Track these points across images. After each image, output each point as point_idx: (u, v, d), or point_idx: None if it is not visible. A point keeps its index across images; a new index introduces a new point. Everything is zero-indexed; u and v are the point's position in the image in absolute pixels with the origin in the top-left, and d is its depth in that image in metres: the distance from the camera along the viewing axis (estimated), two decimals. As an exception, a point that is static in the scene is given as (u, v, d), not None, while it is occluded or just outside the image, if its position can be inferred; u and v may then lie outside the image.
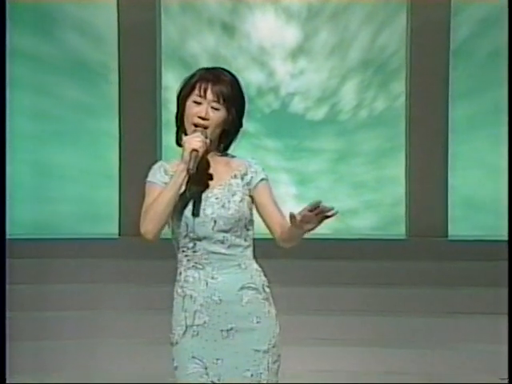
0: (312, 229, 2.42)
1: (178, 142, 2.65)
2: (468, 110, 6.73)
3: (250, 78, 6.89)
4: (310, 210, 2.40)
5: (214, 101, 2.56)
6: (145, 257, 5.67)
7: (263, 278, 2.65)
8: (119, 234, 6.33)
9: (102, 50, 6.88)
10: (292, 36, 6.90)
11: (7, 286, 4.06)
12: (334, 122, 6.71)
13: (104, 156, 6.88)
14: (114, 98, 6.74)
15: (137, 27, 6.50)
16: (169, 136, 6.73)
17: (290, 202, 6.86)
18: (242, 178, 2.62)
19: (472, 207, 6.75)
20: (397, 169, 6.74)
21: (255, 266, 2.64)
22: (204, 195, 2.58)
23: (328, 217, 2.40)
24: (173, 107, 7.29)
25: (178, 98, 2.62)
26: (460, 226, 6.62)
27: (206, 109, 2.55)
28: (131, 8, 6.48)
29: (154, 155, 6.37)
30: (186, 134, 2.61)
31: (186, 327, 2.59)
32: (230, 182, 2.60)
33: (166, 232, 2.70)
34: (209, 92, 2.55)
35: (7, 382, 3.79)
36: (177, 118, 2.64)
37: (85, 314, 5.48)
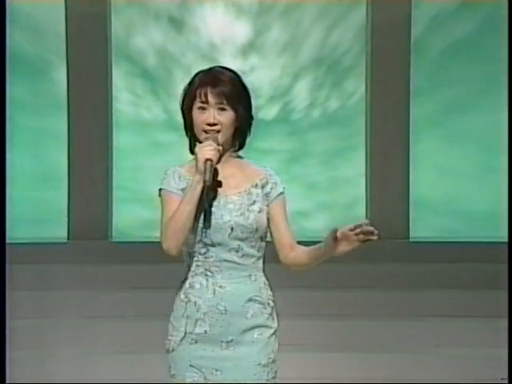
0: (347, 250, 2.42)
1: (192, 151, 2.62)
2: (420, 109, 6.66)
3: (200, 76, 6.82)
4: (352, 230, 2.41)
5: (218, 103, 2.55)
6: (96, 261, 5.49)
7: (269, 291, 2.63)
8: (68, 238, 6.12)
9: (45, 45, 6.62)
10: (243, 32, 6.77)
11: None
12: (286, 122, 6.61)
13: (47, 156, 6.63)
14: (58, 95, 6.49)
15: (86, 21, 6.29)
16: (119, 136, 6.72)
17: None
18: (263, 188, 2.61)
19: (425, 208, 6.69)
20: (351, 169, 6.66)
21: (264, 278, 2.62)
22: (222, 201, 2.56)
23: (369, 240, 2.39)
24: (120, 106, 7.14)
25: (182, 108, 2.61)
26: (414, 228, 6.55)
27: (212, 114, 2.55)
28: (80, 1, 6.22)
29: (104, 156, 6.23)
30: (199, 141, 2.59)
31: (185, 334, 2.57)
32: (250, 191, 2.59)
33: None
34: (210, 95, 2.55)
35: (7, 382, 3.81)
36: (185, 128, 2.63)
37: (44, 322, 5.26)
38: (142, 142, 6.84)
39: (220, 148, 2.53)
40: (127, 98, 6.78)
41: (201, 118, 2.55)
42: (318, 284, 5.64)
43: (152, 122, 6.85)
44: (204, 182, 2.46)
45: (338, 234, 2.40)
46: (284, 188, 2.64)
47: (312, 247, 2.53)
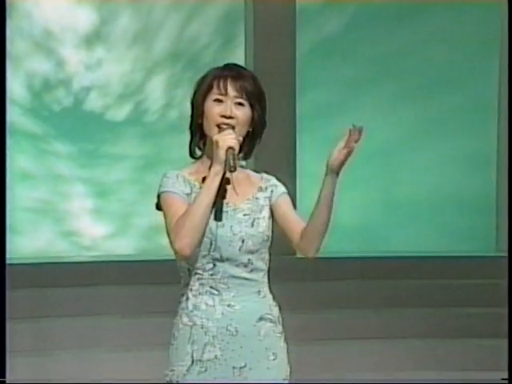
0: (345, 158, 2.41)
1: (192, 154, 2.53)
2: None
3: (34, 68, 6.11)
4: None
5: (237, 96, 2.46)
6: None
7: (278, 308, 2.56)
8: None
9: None
10: (86, 19, 6.13)
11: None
12: (138, 124, 6.12)
13: None
14: None
15: None
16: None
17: (87, 218, 6.16)
18: (265, 192, 2.55)
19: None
20: None
21: (271, 294, 2.54)
22: (230, 210, 2.46)
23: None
24: None
25: (193, 101, 2.52)
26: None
27: (229, 106, 2.45)
28: None
29: None
30: (204, 143, 2.51)
31: (193, 362, 2.44)
32: (257, 196, 2.52)
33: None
34: (230, 87, 2.46)
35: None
36: (191, 124, 2.54)
37: None
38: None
39: (240, 139, 2.43)
40: None
41: (216, 109, 2.44)
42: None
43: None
44: (229, 168, 2.35)
45: (343, 144, 2.42)
46: (285, 188, 2.58)
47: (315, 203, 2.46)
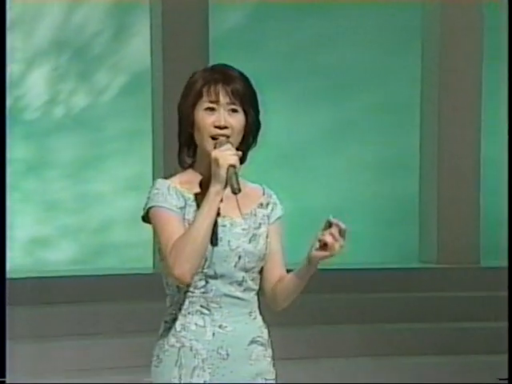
0: (332, 254, 2.32)
1: (182, 162, 2.47)
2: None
3: None
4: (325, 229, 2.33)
5: (230, 103, 2.40)
6: None
7: (267, 331, 2.52)
8: None
9: None
10: None
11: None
12: (17, 122, 5.83)
13: None
14: None
15: None
16: None
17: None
18: (265, 209, 2.49)
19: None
20: (104, 184, 6.07)
21: (261, 316, 2.50)
22: (227, 224, 2.43)
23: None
24: None
25: (180, 109, 2.45)
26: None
27: (222, 115, 2.40)
28: None
29: None
30: (194, 152, 2.45)
31: None
32: (256, 212, 2.48)
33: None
34: (222, 93, 2.40)
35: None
36: (180, 133, 2.46)
37: None
38: None
39: (240, 153, 2.36)
40: None
41: (208, 120, 2.39)
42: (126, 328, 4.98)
43: None
44: (233, 190, 2.32)
45: (323, 240, 2.30)
46: (283, 210, 2.53)
47: (295, 270, 2.42)
